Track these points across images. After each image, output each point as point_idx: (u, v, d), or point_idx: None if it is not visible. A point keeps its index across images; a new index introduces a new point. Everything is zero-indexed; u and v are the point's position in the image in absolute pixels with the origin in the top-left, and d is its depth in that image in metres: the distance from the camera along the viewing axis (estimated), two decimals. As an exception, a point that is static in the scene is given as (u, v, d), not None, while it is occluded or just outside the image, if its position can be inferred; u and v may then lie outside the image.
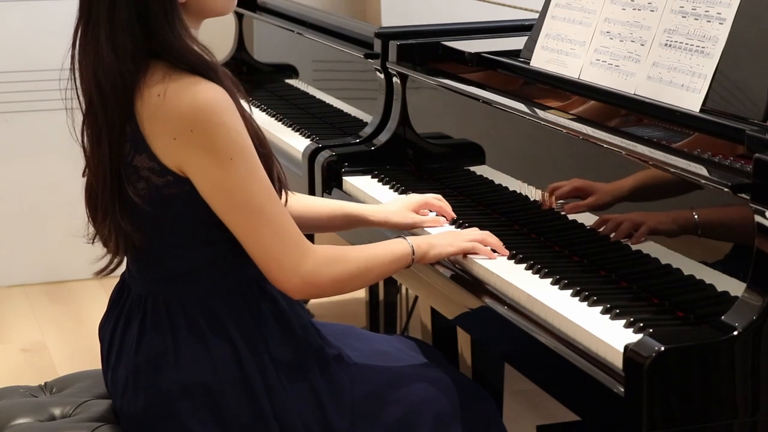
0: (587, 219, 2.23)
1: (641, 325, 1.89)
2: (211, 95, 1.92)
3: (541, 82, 2.52)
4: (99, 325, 2.16)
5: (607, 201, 2.18)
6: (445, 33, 2.97)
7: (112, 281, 2.17)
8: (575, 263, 2.22)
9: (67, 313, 4.41)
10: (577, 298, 2.03)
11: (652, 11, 2.25)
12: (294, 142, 3.25)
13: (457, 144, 2.78)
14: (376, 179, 2.83)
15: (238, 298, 2.05)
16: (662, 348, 1.71)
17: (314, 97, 3.65)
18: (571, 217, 2.28)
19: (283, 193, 2.08)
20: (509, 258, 2.23)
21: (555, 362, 1.93)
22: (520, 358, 2.11)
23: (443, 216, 2.44)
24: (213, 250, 2.03)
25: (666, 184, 2.03)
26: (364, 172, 2.88)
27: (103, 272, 2.10)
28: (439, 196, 2.46)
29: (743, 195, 1.82)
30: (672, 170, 1.98)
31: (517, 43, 2.66)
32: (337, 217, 2.36)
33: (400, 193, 2.71)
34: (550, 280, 2.12)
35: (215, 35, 4.36)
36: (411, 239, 2.16)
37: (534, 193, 2.41)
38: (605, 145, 2.16)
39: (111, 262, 2.09)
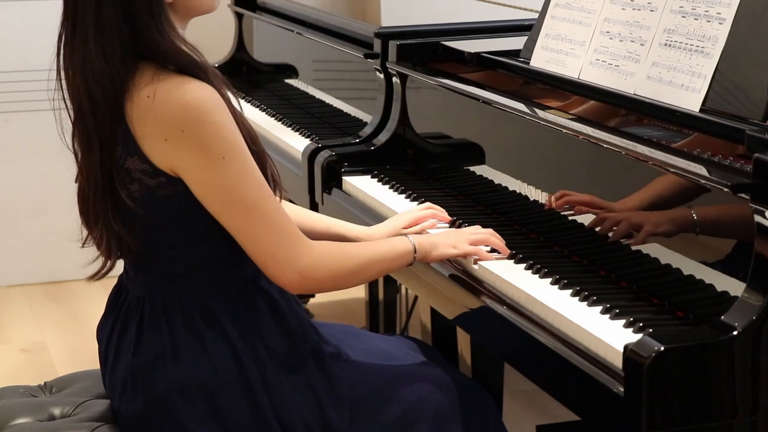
0: (587, 219, 2.23)
1: (641, 324, 1.89)
2: (200, 94, 1.92)
3: (540, 82, 2.52)
4: (97, 327, 2.16)
5: (616, 215, 2.16)
6: (444, 33, 2.97)
7: (112, 282, 2.16)
8: (575, 263, 2.22)
9: (67, 313, 4.41)
10: (577, 297, 2.03)
11: (652, 11, 2.25)
12: (294, 142, 3.25)
13: (457, 144, 2.78)
14: (376, 179, 2.83)
15: (236, 297, 2.05)
16: (662, 348, 1.71)
17: (314, 97, 3.65)
18: (570, 217, 2.28)
19: (277, 191, 2.08)
20: (509, 258, 2.23)
21: (555, 362, 1.93)
22: (520, 358, 2.11)
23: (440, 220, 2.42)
24: (209, 250, 2.03)
25: (671, 188, 2.03)
26: (363, 172, 2.88)
27: (96, 276, 2.10)
28: (429, 204, 2.44)
29: (743, 195, 1.82)
30: (672, 170, 1.98)
31: (516, 43, 2.66)
32: (332, 235, 2.33)
33: (400, 193, 2.71)
34: (549, 279, 2.12)
35: (215, 35, 4.38)
36: (413, 238, 2.15)
37: (534, 193, 2.41)
38: (605, 145, 2.16)
39: (104, 266, 2.09)
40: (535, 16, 2.61)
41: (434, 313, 2.95)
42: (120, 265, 2.11)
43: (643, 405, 1.72)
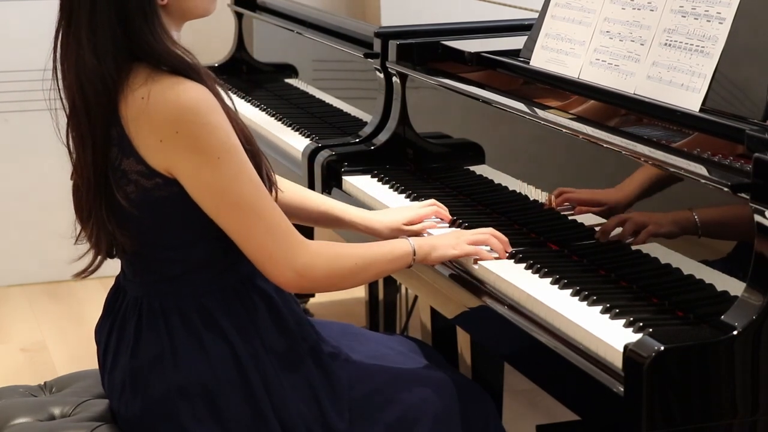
0: (587, 219, 2.23)
1: (641, 324, 1.88)
2: (194, 95, 1.92)
3: (540, 82, 2.52)
4: (95, 328, 2.15)
5: (613, 207, 2.17)
6: (444, 32, 2.97)
7: (112, 281, 2.16)
8: (575, 263, 2.22)
9: (67, 313, 4.41)
10: (577, 297, 2.03)
11: (652, 11, 2.25)
12: (294, 142, 3.25)
13: (457, 144, 2.78)
14: (376, 179, 2.83)
15: (233, 296, 2.05)
16: (662, 348, 1.71)
17: (314, 96, 3.65)
18: (570, 216, 2.28)
19: (273, 190, 2.08)
20: (509, 257, 2.23)
21: (555, 362, 1.93)
22: (520, 358, 2.11)
23: (441, 219, 2.43)
24: (206, 250, 2.03)
25: (666, 181, 2.03)
26: (363, 172, 2.88)
27: (83, 274, 2.09)
28: (433, 201, 2.45)
29: (743, 194, 1.82)
30: (672, 170, 1.98)
31: (516, 42, 2.66)
32: (329, 216, 2.34)
33: (400, 193, 2.71)
34: (549, 279, 2.12)
35: (215, 35, 4.38)
36: (413, 240, 2.15)
37: (534, 193, 2.41)
38: (605, 145, 2.15)
39: (92, 263, 2.08)
40: (535, 15, 2.61)
41: (434, 312, 2.95)
42: (114, 265, 2.10)
43: (643, 405, 1.72)
